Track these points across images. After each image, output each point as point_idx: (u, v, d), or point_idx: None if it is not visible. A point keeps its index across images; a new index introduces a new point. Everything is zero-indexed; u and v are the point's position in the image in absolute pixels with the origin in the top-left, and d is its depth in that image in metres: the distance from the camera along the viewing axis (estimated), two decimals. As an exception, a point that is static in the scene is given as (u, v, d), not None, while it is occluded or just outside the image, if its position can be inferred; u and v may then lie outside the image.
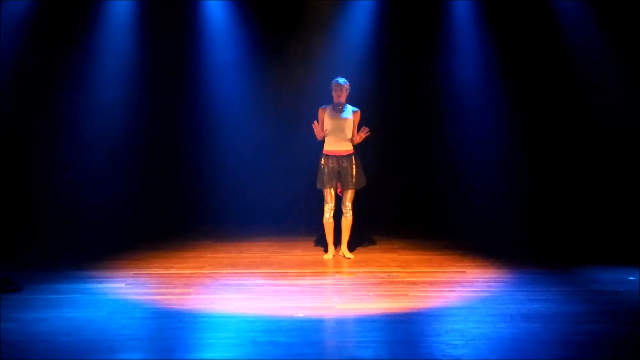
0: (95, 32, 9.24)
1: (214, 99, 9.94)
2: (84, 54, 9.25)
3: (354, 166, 7.58)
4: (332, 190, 7.59)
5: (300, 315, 5.45)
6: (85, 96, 9.32)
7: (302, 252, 8.05)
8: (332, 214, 7.61)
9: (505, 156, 9.56)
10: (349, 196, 7.63)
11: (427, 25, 9.61)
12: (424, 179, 9.93)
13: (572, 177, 9.26)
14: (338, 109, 7.57)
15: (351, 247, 8.16)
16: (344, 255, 7.71)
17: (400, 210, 10.00)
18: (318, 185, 7.64)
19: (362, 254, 7.89)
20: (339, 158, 7.57)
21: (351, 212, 7.65)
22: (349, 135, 7.56)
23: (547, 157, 9.40)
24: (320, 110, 7.64)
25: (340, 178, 7.59)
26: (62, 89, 9.23)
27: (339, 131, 7.53)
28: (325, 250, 7.86)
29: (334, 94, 7.59)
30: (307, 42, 9.76)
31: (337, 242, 7.82)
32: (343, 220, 7.67)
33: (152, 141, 9.78)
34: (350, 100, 7.80)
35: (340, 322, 5.27)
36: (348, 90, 7.63)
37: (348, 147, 7.59)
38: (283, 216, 9.71)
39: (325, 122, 7.55)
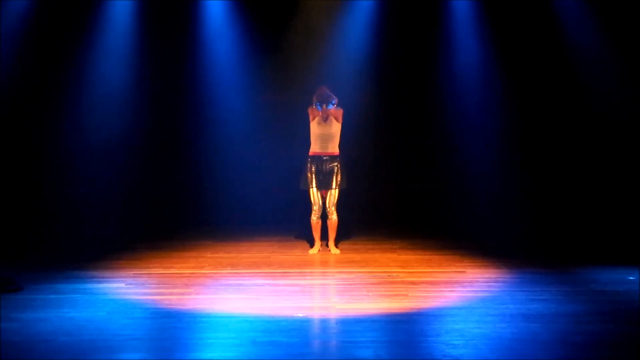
0: (95, 32, 9.24)
1: (215, 99, 9.96)
2: (84, 55, 9.26)
3: (337, 168, 7.84)
4: (318, 192, 7.84)
5: (300, 315, 5.44)
6: (85, 96, 9.33)
7: (302, 252, 8.06)
8: (319, 215, 7.91)
9: (506, 156, 9.56)
10: (332, 198, 7.87)
11: (427, 25, 9.63)
12: (424, 179, 9.94)
13: (572, 177, 9.26)
14: (324, 118, 7.83)
15: (352, 247, 8.19)
16: (330, 251, 7.96)
17: (400, 210, 10.01)
18: (301, 186, 7.90)
19: (362, 254, 7.90)
20: (324, 159, 7.81)
21: (336, 213, 7.89)
22: (336, 141, 7.85)
23: (548, 157, 9.41)
24: (310, 110, 7.88)
25: (323, 179, 7.79)
26: (61, 89, 9.23)
27: (327, 137, 7.82)
28: (311, 246, 8.05)
29: (322, 113, 7.81)
30: (307, 43, 9.76)
31: (324, 238, 8.04)
32: (328, 222, 7.94)
33: (152, 141, 9.79)
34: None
35: (340, 322, 5.27)
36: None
37: (333, 150, 7.85)
38: (283, 216, 9.72)
39: (313, 127, 7.86)
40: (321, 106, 7.77)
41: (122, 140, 9.50)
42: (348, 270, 7.09)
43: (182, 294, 6.16)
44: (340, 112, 7.84)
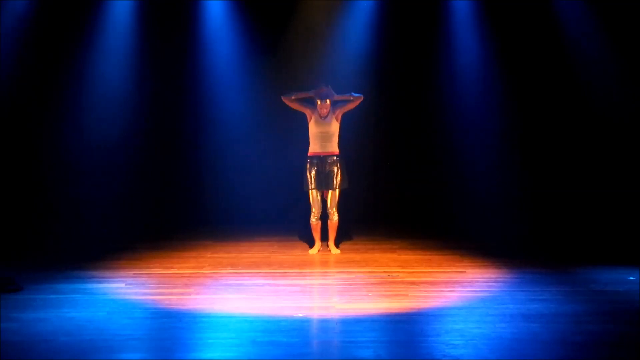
0: (95, 32, 9.25)
1: (215, 99, 9.96)
2: (84, 55, 9.26)
3: (337, 168, 7.78)
4: (318, 193, 7.79)
5: (300, 315, 5.44)
6: (85, 96, 9.33)
7: (302, 252, 8.06)
8: (318, 216, 7.86)
9: (506, 156, 9.57)
10: (332, 198, 7.81)
11: (427, 25, 9.63)
12: (424, 179, 9.94)
13: (572, 177, 9.26)
14: (322, 116, 7.74)
15: (352, 247, 8.19)
16: (330, 251, 7.93)
17: (400, 210, 10.01)
18: (304, 188, 7.84)
19: (362, 254, 7.90)
20: (323, 159, 7.77)
21: (337, 214, 7.83)
22: (335, 140, 7.78)
23: (548, 157, 9.41)
24: (306, 110, 7.79)
25: (323, 179, 7.75)
26: (61, 89, 9.23)
27: (326, 136, 7.75)
28: (311, 246, 8.03)
29: (319, 108, 7.72)
30: (307, 43, 9.77)
31: (324, 238, 8.00)
32: (329, 222, 7.89)
33: (152, 141, 9.80)
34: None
35: (340, 322, 5.27)
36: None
37: (333, 149, 7.79)
38: (283, 216, 9.72)
39: (311, 127, 7.78)
40: (317, 102, 7.70)
41: (122, 140, 9.50)
42: (348, 270, 7.08)
43: (182, 294, 6.16)
44: (358, 100, 7.75)
